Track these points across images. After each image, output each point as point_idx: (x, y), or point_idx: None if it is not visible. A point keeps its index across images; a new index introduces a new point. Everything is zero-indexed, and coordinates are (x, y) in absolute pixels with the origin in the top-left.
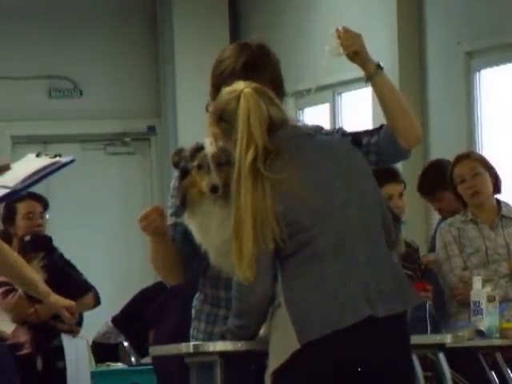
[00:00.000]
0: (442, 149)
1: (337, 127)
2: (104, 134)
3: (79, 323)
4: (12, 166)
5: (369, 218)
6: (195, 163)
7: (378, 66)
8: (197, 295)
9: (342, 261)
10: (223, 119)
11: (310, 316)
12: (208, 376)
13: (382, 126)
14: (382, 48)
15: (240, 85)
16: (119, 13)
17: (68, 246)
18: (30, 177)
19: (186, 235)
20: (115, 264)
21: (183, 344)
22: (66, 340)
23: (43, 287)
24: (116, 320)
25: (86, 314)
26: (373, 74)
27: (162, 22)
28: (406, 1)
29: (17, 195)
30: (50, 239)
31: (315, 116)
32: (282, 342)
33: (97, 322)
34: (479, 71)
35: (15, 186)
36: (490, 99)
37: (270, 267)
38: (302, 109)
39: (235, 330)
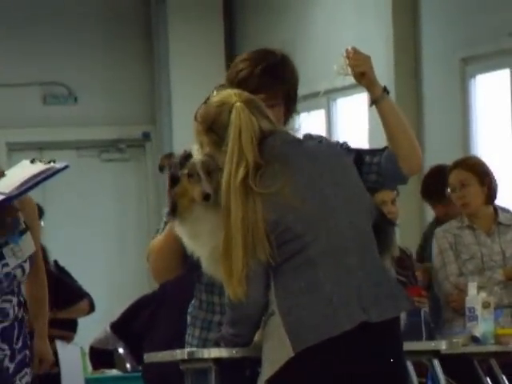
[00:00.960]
0: (438, 154)
1: (341, 142)
2: (99, 140)
3: (73, 329)
4: (6, 172)
5: (359, 222)
6: (185, 171)
7: (385, 90)
8: (192, 301)
9: (334, 266)
10: (213, 130)
11: (304, 323)
12: (203, 382)
13: (385, 148)
14: (378, 55)
15: (231, 96)
16: (114, 19)
17: (64, 252)
18: (24, 183)
19: None
20: (111, 269)
21: (178, 350)
22: (60, 346)
23: (44, 326)
24: (114, 326)
25: (82, 320)
26: (378, 98)
27: (156, 28)
28: (402, 7)
29: (12, 201)
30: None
31: (311, 122)
32: (276, 349)
33: (92, 328)
34: (474, 77)
35: (10, 192)
36: (485, 105)
37: (262, 277)
38: (299, 114)
39: (229, 338)
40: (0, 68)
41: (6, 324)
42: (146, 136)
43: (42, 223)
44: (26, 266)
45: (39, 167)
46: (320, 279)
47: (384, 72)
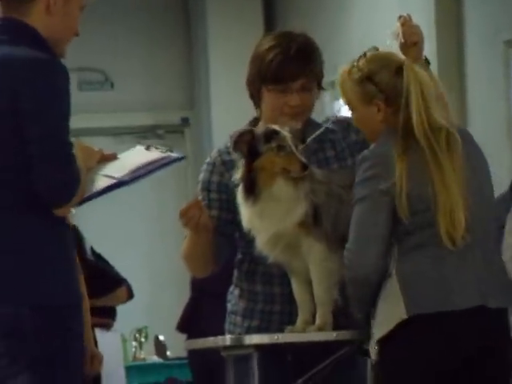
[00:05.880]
0: (482, 137)
1: (331, 116)
2: (137, 126)
3: (112, 316)
4: (119, 156)
5: (486, 211)
6: (274, 144)
7: (426, 60)
8: (231, 290)
9: (459, 249)
10: (371, 81)
11: (420, 291)
12: (244, 369)
13: None
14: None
15: (393, 56)
16: (150, 3)
17: (103, 239)
18: (138, 169)
19: (218, 226)
20: (151, 256)
21: (219, 337)
22: (99, 334)
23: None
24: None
25: (121, 307)
26: None
27: (194, 12)
28: None
29: (122, 187)
30: (76, 229)
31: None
32: (390, 311)
33: (132, 315)
34: None
35: (122, 177)
36: None
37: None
38: (338, 99)
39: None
40: None
41: None
42: (185, 121)
43: (74, 211)
44: None
45: (155, 155)
46: (444, 256)
47: (426, 56)
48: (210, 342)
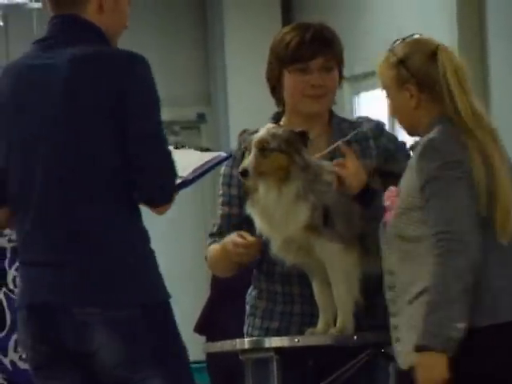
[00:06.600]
0: (504, 124)
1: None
2: None
3: None
4: None
5: None
6: (243, 146)
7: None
8: (249, 291)
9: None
10: (404, 65)
11: (491, 300)
12: (264, 373)
13: None
14: (441, 28)
15: (430, 40)
16: None
17: None
18: (197, 169)
19: (239, 224)
20: (167, 257)
21: (237, 340)
22: None
23: None
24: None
25: None
26: None
27: (211, 5)
28: None
29: (185, 187)
30: None
31: (369, 101)
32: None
33: None
34: None
35: (187, 176)
36: None
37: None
38: (358, 93)
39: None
40: None
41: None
42: (201, 117)
43: None
44: None
45: (207, 155)
46: (507, 258)
47: (447, 39)
48: (228, 344)
